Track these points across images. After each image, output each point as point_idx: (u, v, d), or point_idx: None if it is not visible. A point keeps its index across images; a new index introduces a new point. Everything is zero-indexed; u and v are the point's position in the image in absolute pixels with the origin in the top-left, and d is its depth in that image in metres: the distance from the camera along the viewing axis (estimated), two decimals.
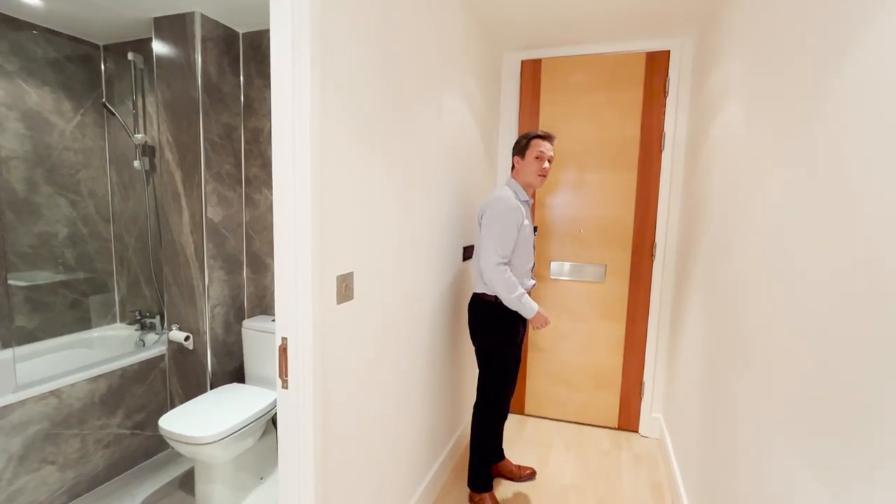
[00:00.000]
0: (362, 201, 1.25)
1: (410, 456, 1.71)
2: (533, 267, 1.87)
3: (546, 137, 1.81)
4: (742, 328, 1.24)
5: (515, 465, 2.14)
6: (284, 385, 1.05)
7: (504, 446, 2.39)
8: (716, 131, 1.72)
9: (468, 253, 2.21)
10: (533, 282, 1.87)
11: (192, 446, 1.70)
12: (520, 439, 2.48)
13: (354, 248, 1.23)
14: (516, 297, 1.71)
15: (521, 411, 2.74)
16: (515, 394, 2.75)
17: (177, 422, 1.75)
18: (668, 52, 2.32)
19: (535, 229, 1.93)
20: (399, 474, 1.62)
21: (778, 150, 1.07)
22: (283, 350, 1.05)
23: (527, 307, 1.72)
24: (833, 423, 0.74)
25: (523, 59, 2.52)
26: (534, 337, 2.68)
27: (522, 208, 1.76)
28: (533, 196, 1.88)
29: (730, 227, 1.43)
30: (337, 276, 1.14)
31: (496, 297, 1.75)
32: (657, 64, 2.34)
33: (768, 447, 1.00)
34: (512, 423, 2.65)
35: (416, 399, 1.73)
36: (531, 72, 2.53)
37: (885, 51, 0.67)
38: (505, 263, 1.71)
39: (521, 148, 1.82)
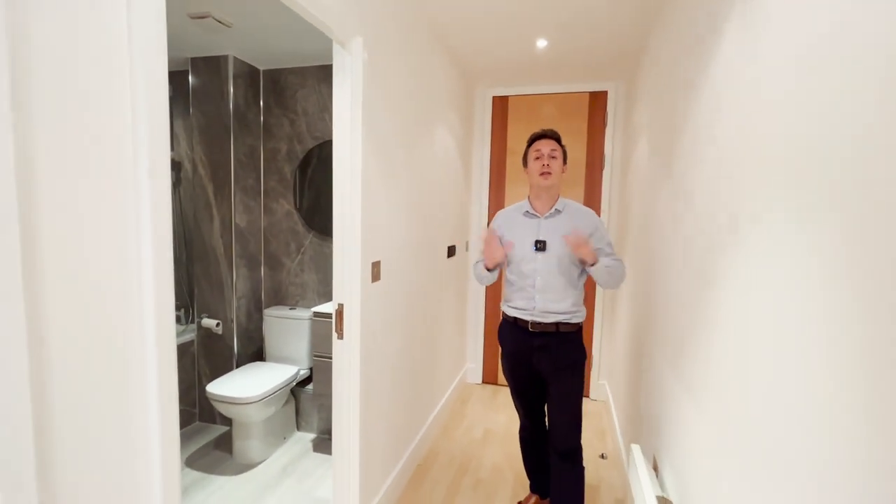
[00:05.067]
0: (386, 212, 1.75)
1: (417, 392, 2.21)
2: (533, 284, 1.61)
3: (540, 137, 1.65)
4: (649, 299, 1.82)
5: None
6: (340, 336, 1.53)
7: (480, 411, 2.92)
8: (636, 157, 2.33)
9: (451, 252, 2.74)
10: (532, 303, 1.62)
11: (236, 406, 2.12)
12: (493, 405, 3.01)
13: (381, 244, 1.72)
14: (477, 275, 1.76)
15: (494, 381, 3.28)
16: (489, 367, 3.29)
17: (222, 387, 2.17)
18: (607, 91, 2.94)
19: (539, 245, 1.61)
20: (410, 403, 2.11)
21: (661, 176, 1.66)
22: (340, 313, 1.53)
23: (480, 273, 1.73)
24: (693, 362, 1.31)
25: (494, 95, 3.09)
26: None
27: (514, 219, 1.70)
28: (548, 208, 1.65)
29: (640, 229, 2.03)
30: (372, 263, 1.64)
31: (503, 312, 1.75)
32: (598, 101, 2.97)
33: (660, 376, 1.57)
34: (487, 393, 3.18)
35: (417, 352, 2.23)
36: (501, 105, 3.10)
37: (701, 120, 1.25)
38: (479, 262, 1.75)
39: (523, 158, 1.72)
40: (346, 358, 1.54)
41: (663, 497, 1.21)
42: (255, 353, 2.74)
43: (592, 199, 3.02)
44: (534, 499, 1.91)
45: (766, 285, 0.74)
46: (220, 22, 1.99)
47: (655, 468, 1.47)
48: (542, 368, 1.64)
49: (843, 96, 0.56)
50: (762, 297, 0.76)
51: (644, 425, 1.73)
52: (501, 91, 3.09)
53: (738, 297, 0.86)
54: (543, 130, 1.66)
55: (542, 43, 2.33)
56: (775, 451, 0.68)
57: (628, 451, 2.05)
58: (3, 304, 0.57)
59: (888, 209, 0.47)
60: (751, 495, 0.76)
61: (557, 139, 1.66)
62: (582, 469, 1.65)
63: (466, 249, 3.20)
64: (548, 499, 1.82)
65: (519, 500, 1.98)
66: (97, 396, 0.71)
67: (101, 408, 0.72)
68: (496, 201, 3.19)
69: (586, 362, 1.68)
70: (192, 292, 2.76)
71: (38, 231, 0.62)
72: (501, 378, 3.30)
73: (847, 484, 0.52)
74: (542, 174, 1.60)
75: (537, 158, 1.63)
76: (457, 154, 2.77)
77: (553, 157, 1.62)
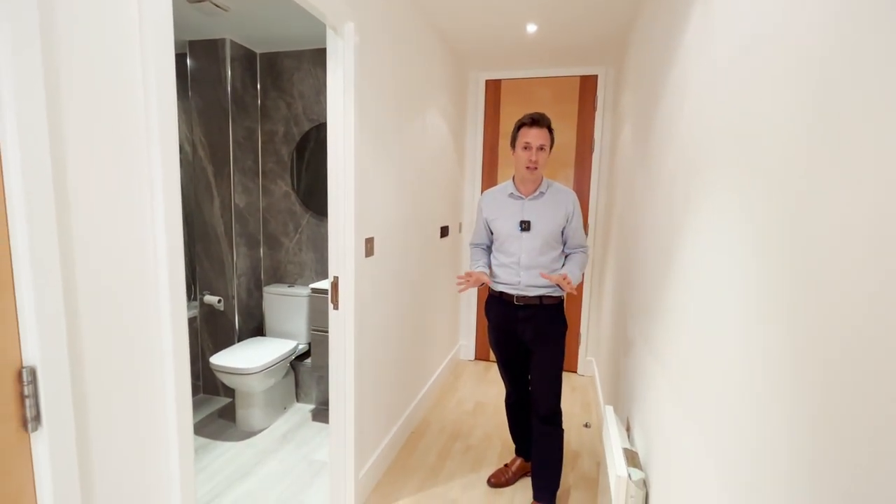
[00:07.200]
0: (379, 191, 1.84)
1: (410, 363, 2.33)
2: (518, 261, 1.70)
3: (534, 123, 1.64)
4: (630, 276, 1.93)
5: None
6: (336, 307, 1.64)
7: (472, 385, 3.05)
8: (622, 141, 2.41)
9: (444, 232, 2.84)
10: (517, 279, 1.71)
11: (239, 376, 2.24)
12: (485, 380, 3.14)
13: (374, 221, 1.82)
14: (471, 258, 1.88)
15: (486, 358, 3.41)
16: (482, 344, 3.42)
17: (226, 359, 2.28)
18: (597, 76, 3.00)
19: (524, 225, 1.69)
20: (403, 374, 2.24)
21: (640, 158, 1.74)
22: (335, 285, 1.63)
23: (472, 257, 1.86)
24: (659, 328, 1.41)
25: (487, 78, 3.15)
26: None
27: (500, 200, 1.76)
28: (532, 190, 1.73)
29: (624, 212, 2.12)
30: (365, 238, 1.73)
31: (489, 287, 1.81)
32: (589, 85, 3.03)
33: (633, 345, 1.68)
34: (479, 369, 3.31)
35: (410, 326, 2.34)
36: (493, 88, 3.16)
37: (672, 103, 1.33)
38: (475, 245, 1.89)
39: (511, 139, 1.73)
40: (342, 327, 1.65)
41: (629, 449, 1.33)
42: (256, 328, 2.85)
43: (582, 181, 3.11)
44: (518, 461, 2.05)
45: (713, 247, 0.84)
46: (217, 5, 2.04)
47: (628, 429, 1.59)
48: (527, 338, 1.75)
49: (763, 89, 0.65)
50: (710, 258, 0.86)
51: (621, 391, 1.85)
52: (494, 74, 3.14)
53: (690, 260, 0.96)
54: (534, 117, 1.66)
55: (531, 27, 2.38)
56: (717, 399, 0.79)
57: None
58: (45, 288, 0.66)
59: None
60: (692, 429, 0.87)
61: (548, 126, 1.67)
62: (561, 431, 1.78)
63: (460, 231, 3.29)
64: (531, 461, 1.96)
65: (505, 462, 2.12)
66: (124, 364, 0.82)
67: (128, 373, 0.83)
68: (489, 183, 3.27)
69: (573, 338, 1.77)
70: (194, 270, 2.85)
71: (69, 205, 0.71)
72: (492, 355, 3.42)
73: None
74: (529, 168, 1.66)
75: (525, 148, 1.66)
76: (450, 136, 2.85)
77: (541, 150, 1.65)
